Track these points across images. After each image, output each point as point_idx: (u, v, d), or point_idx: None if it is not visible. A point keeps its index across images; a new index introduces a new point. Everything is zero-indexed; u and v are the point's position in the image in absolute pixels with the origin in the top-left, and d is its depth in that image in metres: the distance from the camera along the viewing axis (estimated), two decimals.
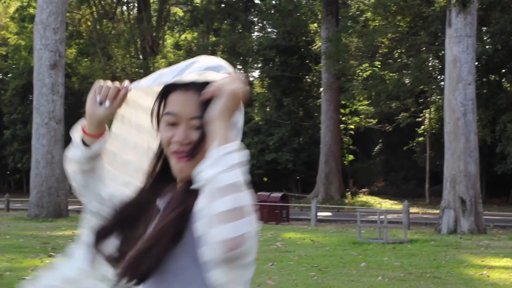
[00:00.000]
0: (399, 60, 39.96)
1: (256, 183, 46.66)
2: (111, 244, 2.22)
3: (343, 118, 44.29)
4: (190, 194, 2.03)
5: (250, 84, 52.05)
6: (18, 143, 55.06)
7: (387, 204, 39.63)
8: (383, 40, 39.36)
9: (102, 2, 52.92)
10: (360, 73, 39.73)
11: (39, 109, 28.41)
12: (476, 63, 25.67)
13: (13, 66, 56.74)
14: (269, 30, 49.74)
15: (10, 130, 55.85)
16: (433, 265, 13.93)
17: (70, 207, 29.13)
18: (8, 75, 59.84)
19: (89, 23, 54.27)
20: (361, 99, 42.24)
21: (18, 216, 29.38)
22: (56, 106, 28.35)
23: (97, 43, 51.29)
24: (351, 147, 46.71)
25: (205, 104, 2.01)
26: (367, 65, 38.83)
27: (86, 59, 53.80)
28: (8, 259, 13.92)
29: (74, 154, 2.28)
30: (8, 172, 61.99)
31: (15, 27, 55.20)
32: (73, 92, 51.46)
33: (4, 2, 51.14)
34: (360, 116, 44.96)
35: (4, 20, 61.49)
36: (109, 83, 2.22)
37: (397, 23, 39.08)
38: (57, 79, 28.60)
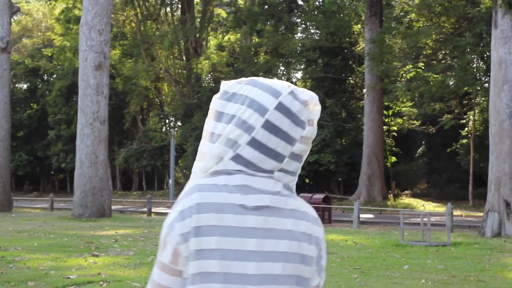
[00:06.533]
0: (443, 61, 39.59)
1: (298, 184, 46.56)
2: None
3: (386, 120, 44.08)
4: None
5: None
6: (62, 143, 55.70)
7: (429, 206, 39.29)
8: (427, 41, 39.05)
9: (146, 4, 53.27)
10: (404, 75, 39.49)
11: (83, 110, 28.69)
12: None
13: (58, 67, 57.39)
14: (312, 31, 49.67)
15: (55, 131, 56.53)
16: (477, 268, 13.78)
17: (113, 207, 29.35)
18: (53, 76, 60.53)
19: (133, 24, 54.68)
20: (404, 100, 42.02)
21: (62, 215, 29.69)
22: (101, 106, 28.60)
23: (141, 44, 51.68)
24: (393, 149, 46.46)
25: None
26: (410, 66, 38.54)
27: (130, 60, 54.22)
28: (53, 258, 14.05)
29: None
30: (52, 172, 62.72)
31: (60, 28, 55.81)
32: (117, 93, 51.86)
33: (50, 3, 51.70)
34: (403, 118, 44.74)
35: (49, 22, 62.22)
36: None
37: (442, 24, 38.75)
38: (102, 80, 28.86)
